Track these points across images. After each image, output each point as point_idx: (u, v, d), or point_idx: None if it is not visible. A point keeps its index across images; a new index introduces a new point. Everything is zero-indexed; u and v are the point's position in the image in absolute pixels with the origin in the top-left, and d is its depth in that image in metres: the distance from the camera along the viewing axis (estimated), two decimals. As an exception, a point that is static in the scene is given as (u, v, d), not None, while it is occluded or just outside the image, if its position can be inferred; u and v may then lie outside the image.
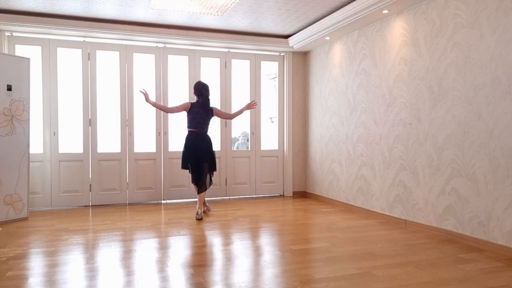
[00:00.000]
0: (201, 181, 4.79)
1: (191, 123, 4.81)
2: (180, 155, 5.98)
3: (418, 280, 2.65)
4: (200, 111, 4.80)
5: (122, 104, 5.68)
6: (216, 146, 6.18)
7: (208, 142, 4.87)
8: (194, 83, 5.99)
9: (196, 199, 5.34)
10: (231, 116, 5.14)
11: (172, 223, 4.43)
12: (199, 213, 4.65)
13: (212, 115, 4.93)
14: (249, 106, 5.03)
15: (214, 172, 5.05)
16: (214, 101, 6.19)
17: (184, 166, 4.91)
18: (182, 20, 5.25)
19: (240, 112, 5.07)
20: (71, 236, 3.85)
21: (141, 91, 4.78)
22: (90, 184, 5.57)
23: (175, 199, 5.96)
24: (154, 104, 4.84)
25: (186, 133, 4.87)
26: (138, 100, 5.69)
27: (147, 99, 4.76)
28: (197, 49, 6.01)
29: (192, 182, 4.95)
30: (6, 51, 5.11)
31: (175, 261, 3.09)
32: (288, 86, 6.43)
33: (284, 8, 4.78)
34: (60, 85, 5.43)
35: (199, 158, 4.77)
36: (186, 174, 6.00)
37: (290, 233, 3.99)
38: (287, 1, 4.52)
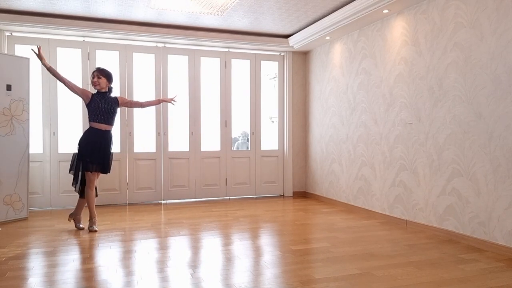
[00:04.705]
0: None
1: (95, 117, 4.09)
2: (180, 156, 6.02)
3: (419, 281, 2.64)
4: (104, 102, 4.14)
5: (122, 104, 5.66)
6: (216, 146, 6.20)
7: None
8: (193, 82, 6.02)
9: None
10: (143, 104, 4.45)
11: (172, 223, 4.42)
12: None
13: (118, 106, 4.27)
14: (167, 100, 4.49)
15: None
16: (214, 101, 6.20)
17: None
18: (182, 20, 5.24)
19: (157, 102, 4.52)
20: (71, 236, 3.84)
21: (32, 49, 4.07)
22: (90, 184, 5.55)
23: (175, 199, 5.95)
24: (50, 69, 4.00)
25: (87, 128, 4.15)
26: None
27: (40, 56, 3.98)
28: (197, 49, 6.01)
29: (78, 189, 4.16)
30: (5, 51, 5.10)
31: (175, 261, 3.08)
32: (288, 86, 6.42)
33: (284, 8, 4.77)
34: (59, 85, 5.40)
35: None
36: (186, 174, 6.01)
37: (290, 234, 3.98)
38: (287, 1, 4.52)
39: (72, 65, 5.49)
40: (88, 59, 5.52)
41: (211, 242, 3.66)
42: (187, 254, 3.29)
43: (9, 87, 4.54)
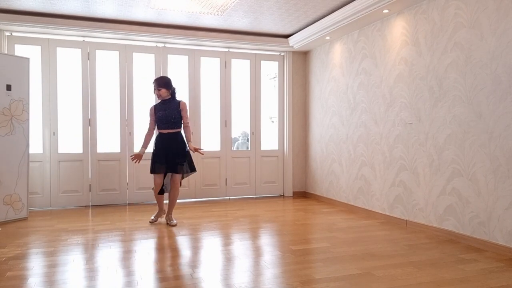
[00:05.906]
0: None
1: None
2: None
3: (419, 281, 2.64)
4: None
5: (121, 104, 5.67)
6: (216, 146, 6.20)
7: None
8: (193, 82, 6.01)
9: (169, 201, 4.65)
10: (185, 128, 4.47)
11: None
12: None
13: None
14: (193, 148, 4.39)
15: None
16: (214, 101, 6.19)
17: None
18: (182, 20, 5.24)
19: (189, 140, 4.47)
20: (71, 236, 3.84)
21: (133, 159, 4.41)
22: (90, 184, 5.55)
23: (175, 199, 5.94)
24: (145, 147, 4.45)
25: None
26: (138, 100, 5.69)
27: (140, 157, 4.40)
28: (197, 49, 6.01)
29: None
30: (5, 51, 5.10)
31: (175, 261, 3.08)
32: (288, 86, 6.42)
33: (284, 8, 4.77)
34: (59, 85, 5.42)
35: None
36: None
37: (290, 234, 3.98)
38: (287, 0, 4.51)
39: (72, 65, 5.49)
40: (88, 59, 5.52)
41: (211, 242, 3.66)
42: (187, 254, 3.29)
43: (9, 87, 4.54)
